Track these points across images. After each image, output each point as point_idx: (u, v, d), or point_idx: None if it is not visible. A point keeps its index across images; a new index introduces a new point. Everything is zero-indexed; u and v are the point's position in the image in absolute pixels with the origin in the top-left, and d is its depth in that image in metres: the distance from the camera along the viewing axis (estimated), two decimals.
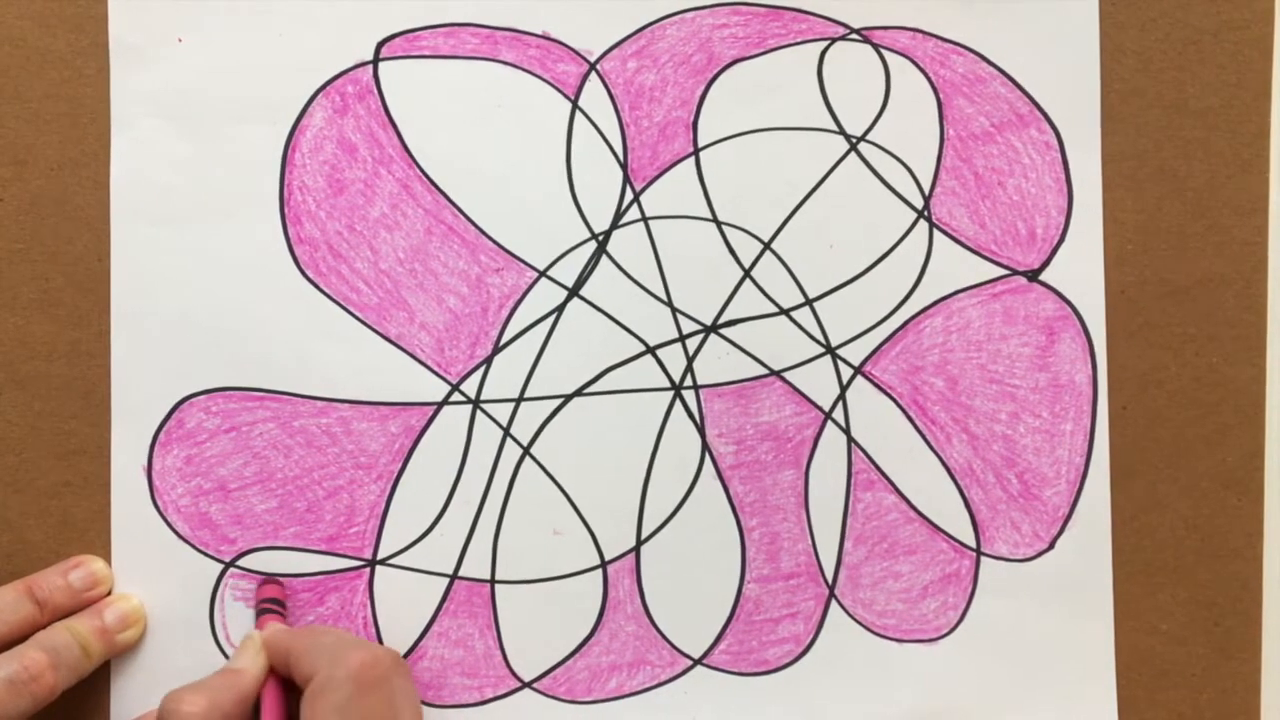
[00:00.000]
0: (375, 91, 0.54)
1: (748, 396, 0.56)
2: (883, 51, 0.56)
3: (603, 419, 0.55)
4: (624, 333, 0.55)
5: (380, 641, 0.55)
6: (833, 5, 0.55)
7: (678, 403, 0.55)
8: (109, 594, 0.53)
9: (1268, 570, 0.57)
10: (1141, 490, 0.57)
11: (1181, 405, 0.56)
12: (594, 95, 0.55)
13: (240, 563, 0.54)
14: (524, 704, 0.55)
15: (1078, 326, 0.56)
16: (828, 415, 0.56)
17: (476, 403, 0.55)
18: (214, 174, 0.54)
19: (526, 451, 0.55)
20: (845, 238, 0.56)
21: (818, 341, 0.56)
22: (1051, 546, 0.57)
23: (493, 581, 0.55)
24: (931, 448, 0.56)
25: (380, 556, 0.55)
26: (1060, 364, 0.56)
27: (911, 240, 0.56)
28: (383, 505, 0.55)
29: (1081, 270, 0.56)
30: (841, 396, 0.56)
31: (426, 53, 0.54)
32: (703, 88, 0.55)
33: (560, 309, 0.55)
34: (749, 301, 0.55)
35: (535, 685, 0.56)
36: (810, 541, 0.56)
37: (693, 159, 0.55)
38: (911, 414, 0.56)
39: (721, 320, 0.55)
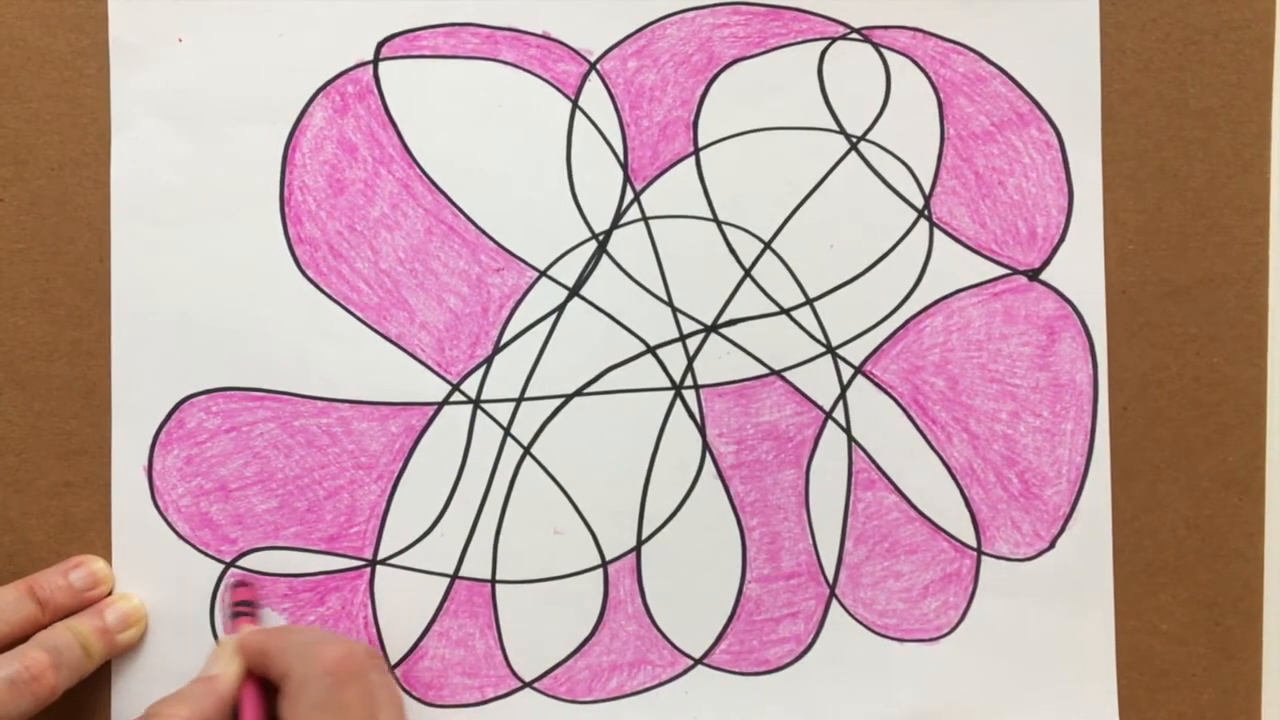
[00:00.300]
0: (375, 91, 0.54)
1: (748, 396, 0.56)
2: (883, 51, 0.56)
3: (603, 419, 0.55)
4: (624, 332, 0.55)
5: (381, 642, 0.55)
6: (833, 5, 0.55)
7: (678, 402, 0.55)
8: (110, 594, 0.53)
9: (1268, 570, 0.57)
10: (1142, 490, 0.57)
11: (1182, 405, 0.56)
12: (594, 95, 0.55)
13: (241, 563, 0.54)
14: (525, 704, 0.55)
15: (1078, 326, 0.56)
16: (828, 415, 0.56)
17: (477, 402, 0.55)
18: (214, 174, 0.54)
19: (527, 451, 0.55)
20: (846, 237, 0.56)
21: (818, 341, 0.56)
22: (1052, 546, 0.57)
23: (493, 581, 0.55)
24: (932, 447, 0.56)
25: (381, 556, 0.55)
26: (1061, 363, 0.56)
27: (912, 240, 0.56)
28: (383, 505, 0.55)
29: (1082, 270, 0.56)
30: (842, 396, 0.56)
31: (427, 52, 0.54)
32: (703, 87, 0.55)
33: (561, 309, 0.55)
34: (749, 301, 0.55)
35: (536, 685, 0.55)
36: (811, 541, 0.56)
37: (693, 159, 0.55)
38: (912, 413, 0.56)
39: (722, 320, 0.55)
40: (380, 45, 0.54)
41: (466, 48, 0.54)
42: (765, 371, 0.56)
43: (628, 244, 0.55)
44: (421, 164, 0.54)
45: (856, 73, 0.56)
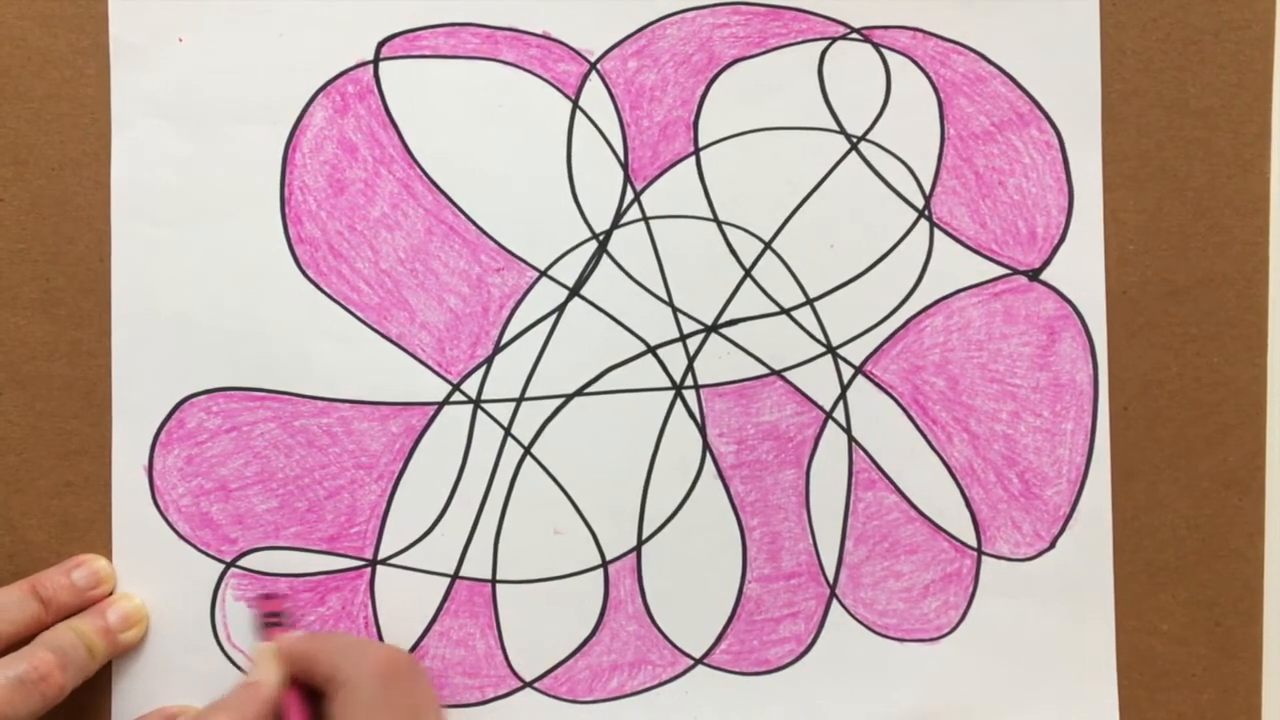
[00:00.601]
0: (376, 91, 0.54)
1: (748, 396, 0.56)
2: (883, 51, 0.56)
3: (603, 419, 0.55)
4: (625, 332, 0.55)
5: (381, 642, 0.55)
6: (833, 4, 0.55)
7: (678, 402, 0.55)
8: (112, 593, 0.54)
9: (1269, 570, 0.57)
10: (1142, 490, 0.57)
11: (1182, 405, 0.56)
12: (594, 95, 0.55)
13: (241, 563, 0.54)
14: (525, 704, 0.55)
15: (1078, 326, 0.56)
16: (828, 415, 0.56)
17: (477, 402, 0.55)
18: (214, 174, 0.54)
19: (527, 451, 0.55)
20: (846, 237, 0.56)
21: (818, 341, 0.56)
22: (1052, 546, 0.57)
23: (494, 581, 0.55)
24: (932, 447, 0.56)
25: (381, 556, 0.55)
26: (1061, 363, 0.56)
27: (912, 240, 0.56)
28: (384, 505, 0.55)
29: (1082, 270, 0.56)
30: (842, 396, 0.56)
31: (427, 52, 0.54)
32: (703, 87, 0.55)
33: (561, 309, 0.55)
34: (750, 301, 0.55)
35: (536, 685, 0.56)
36: (811, 541, 0.56)
37: (693, 158, 0.55)
38: (912, 413, 0.56)
39: (722, 320, 0.55)
40: (380, 45, 0.54)
41: (467, 48, 0.54)
42: (765, 371, 0.56)
43: (628, 244, 0.55)
44: (422, 164, 0.54)
45: (857, 73, 0.55)
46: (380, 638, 0.55)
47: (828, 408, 0.56)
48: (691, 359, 0.55)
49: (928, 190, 0.56)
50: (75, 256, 0.53)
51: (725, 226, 0.55)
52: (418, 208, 0.54)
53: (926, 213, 0.56)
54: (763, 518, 0.56)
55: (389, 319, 0.55)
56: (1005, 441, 0.56)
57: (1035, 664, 0.57)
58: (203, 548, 0.54)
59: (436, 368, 0.55)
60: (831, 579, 0.56)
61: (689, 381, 0.55)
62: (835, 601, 0.56)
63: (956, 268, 0.56)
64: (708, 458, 0.56)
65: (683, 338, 0.55)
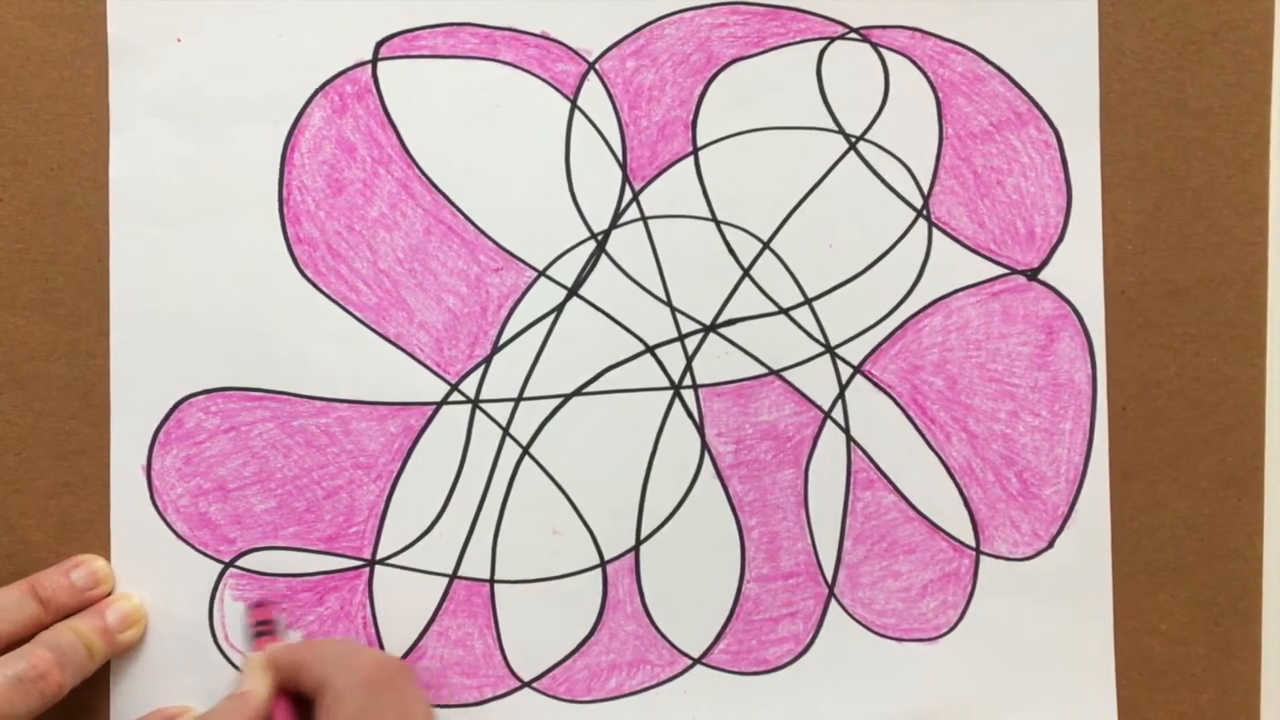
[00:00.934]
0: (374, 91, 0.54)
1: (747, 396, 0.56)
2: (881, 50, 0.56)
3: (602, 418, 0.55)
4: (623, 332, 0.55)
5: (380, 642, 0.55)
6: (831, 4, 0.55)
7: (677, 402, 0.55)
8: (110, 593, 0.54)
9: (1268, 570, 0.57)
10: (1141, 490, 0.57)
11: (1181, 405, 0.56)
12: (593, 95, 0.55)
13: (240, 563, 0.54)
14: (524, 703, 0.55)
15: (1076, 325, 0.56)
16: (827, 414, 0.56)
17: (476, 402, 0.55)
18: (214, 174, 0.54)
19: (526, 451, 0.55)
20: (844, 237, 0.56)
21: (817, 341, 0.56)
22: (1051, 545, 0.57)
23: (492, 581, 0.55)
24: (931, 447, 0.56)
25: (380, 556, 0.55)
26: (1059, 363, 0.56)
27: (910, 239, 0.56)
28: (382, 505, 0.55)
29: (1080, 269, 0.56)
30: (841, 396, 0.56)
31: (425, 52, 0.54)
32: (702, 87, 0.55)
33: (559, 308, 0.55)
34: (748, 301, 0.55)
35: (535, 685, 0.55)
36: (810, 541, 0.56)
37: (692, 158, 0.55)
38: (911, 413, 0.56)
39: (721, 320, 0.55)
40: (379, 45, 0.54)
41: (465, 47, 0.54)
42: (764, 371, 0.56)
43: (626, 244, 0.55)
44: (420, 164, 0.54)
45: (855, 72, 0.56)
46: (379, 637, 0.55)
47: (826, 407, 0.56)
48: (690, 359, 0.55)
49: (926, 190, 0.56)
50: (74, 256, 0.53)
51: (724, 226, 0.55)
52: (416, 208, 0.54)
53: (925, 212, 0.56)
54: (761, 517, 0.56)
55: (387, 319, 0.55)
56: (1004, 441, 0.56)
57: (1034, 664, 0.57)
58: (201, 548, 0.54)
59: (435, 368, 0.55)
60: (830, 579, 0.56)
61: (687, 381, 0.55)
62: (834, 601, 0.56)
63: (955, 267, 0.56)
64: (706, 457, 0.56)
65: (681, 337, 0.55)
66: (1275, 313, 0.56)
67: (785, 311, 0.56)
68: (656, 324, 0.55)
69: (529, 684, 0.55)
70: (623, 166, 0.55)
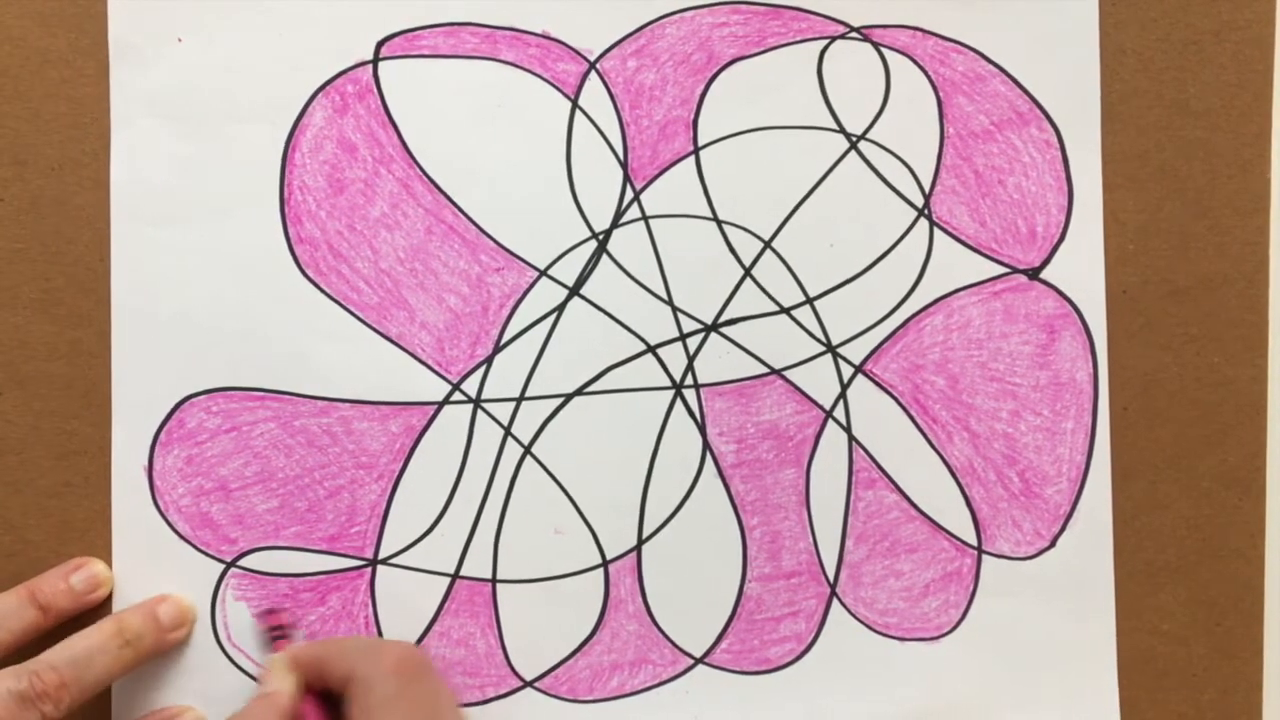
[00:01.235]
0: (375, 91, 0.54)
1: (748, 395, 0.56)
2: (882, 50, 0.56)
3: (603, 418, 0.55)
4: (625, 332, 0.55)
5: (394, 640, 0.55)
6: (832, 4, 0.55)
7: (678, 402, 0.55)
8: (109, 596, 0.53)
9: (1269, 570, 0.57)
10: (1143, 490, 0.57)
11: (1183, 405, 0.56)
12: (594, 94, 0.55)
13: (241, 563, 0.54)
14: (525, 703, 0.55)
15: (1078, 324, 0.56)
16: (828, 414, 0.56)
17: (477, 402, 0.55)
18: (214, 174, 0.54)
19: (527, 451, 0.55)
20: (846, 236, 0.56)
21: (818, 340, 0.56)
22: (1053, 545, 0.57)
23: (494, 581, 0.55)
24: (932, 446, 0.56)
25: (381, 556, 0.55)
26: (1061, 362, 0.56)
27: (912, 239, 0.56)
28: (384, 505, 0.55)
29: (1082, 269, 0.56)
30: (842, 395, 0.56)
31: (426, 52, 0.54)
32: (703, 86, 0.55)
33: (561, 308, 0.55)
34: (749, 300, 0.55)
35: (537, 684, 0.55)
36: (811, 540, 0.56)
37: (693, 158, 0.55)
38: (912, 412, 0.56)
39: (722, 319, 0.55)
40: (380, 45, 0.54)
41: (466, 47, 0.54)
42: (765, 371, 0.56)
43: (628, 243, 0.55)
44: (421, 164, 0.54)
45: (856, 72, 0.56)
46: (380, 637, 0.55)
47: (828, 407, 0.56)
48: (691, 358, 0.55)
49: (927, 189, 0.56)
50: (75, 256, 0.53)
51: (725, 226, 0.55)
52: (417, 207, 0.54)
53: (926, 212, 0.56)
54: (763, 517, 0.56)
55: (389, 319, 0.54)
56: (1005, 440, 0.56)
57: (1035, 663, 0.56)
58: (203, 548, 0.54)
59: (436, 367, 0.55)
60: (832, 578, 0.56)
61: (689, 381, 0.55)
62: (835, 600, 0.56)
63: (956, 266, 0.56)
64: (708, 457, 0.56)
65: (682, 337, 0.55)
66: (1276, 313, 0.57)
67: (787, 311, 0.56)
68: (658, 323, 0.55)
69: (531, 684, 0.55)
70: (624, 166, 0.55)
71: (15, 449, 0.54)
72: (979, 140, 0.56)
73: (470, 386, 0.55)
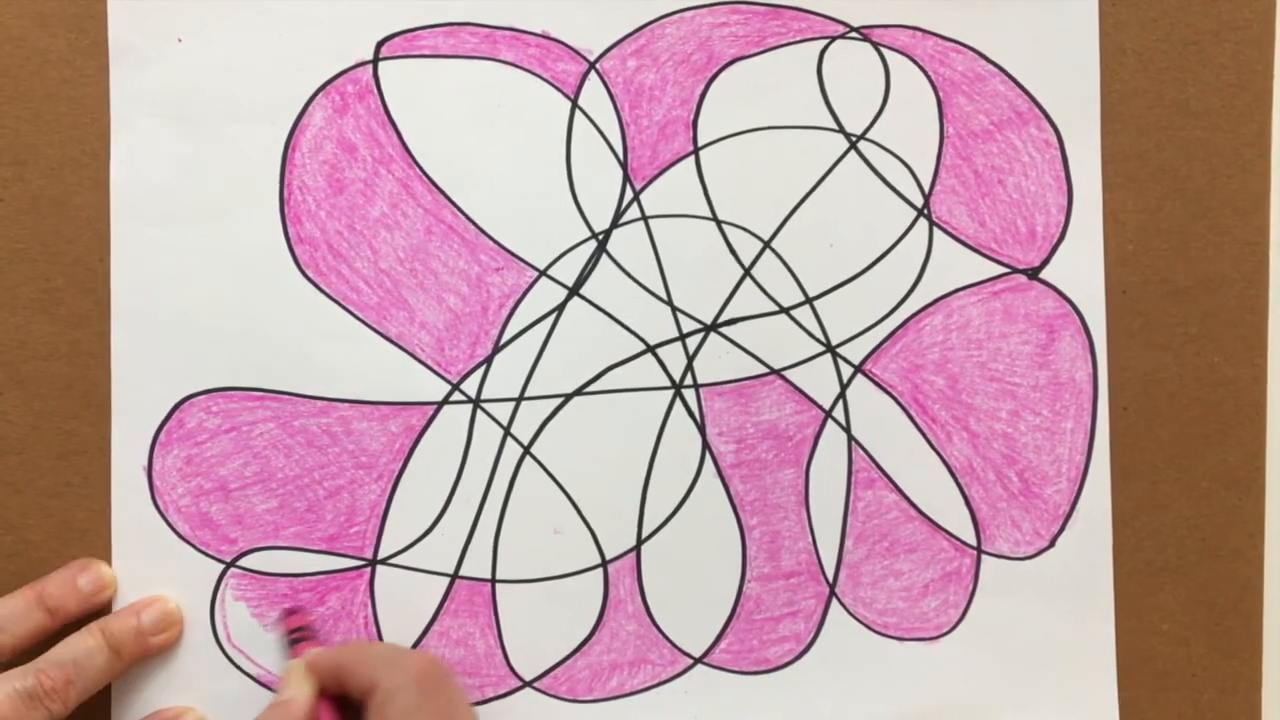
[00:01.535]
0: (375, 91, 0.54)
1: (748, 395, 0.56)
2: (882, 50, 0.56)
3: (603, 418, 0.55)
4: (624, 332, 0.55)
5: (381, 641, 0.55)
6: (832, 4, 0.55)
7: (678, 402, 0.55)
8: (112, 597, 0.53)
9: (1269, 570, 0.57)
10: (1142, 490, 0.57)
11: (1182, 405, 0.56)
12: (594, 94, 0.55)
13: (241, 563, 0.54)
14: (525, 703, 0.55)
15: (1078, 324, 0.56)
16: (828, 414, 0.56)
17: (477, 402, 0.55)
18: (214, 174, 0.54)
19: (527, 451, 0.55)
20: (845, 236, 0.56)
21: (818, 340, 0.56)
22: (1052, 545, 0.57)
23: (493, 581, 0.55)
24: (932, 446, 0.56)
25: (381, 556, 0.55)
26: (1060, 362, 0.56)
27: (911, 238, 0.56)
28: (383, 505, 0.55)
29: (1081, 269, 0.56)
30: (842, 395, 0.56)
31: (426, 52, 0.54)
32: (702, 86, 0.55)
33: (560, 308, 0.55)
34: (749, 300, 0.55)
35: (536, 684, 0.55)
36: (811, 540, 0.56)
37: (692, 158, 0.55)
38: (912, 412, 0.56)
39: (722, 319, 0.55)
40: (380, 45, 0.54)
41: (466, 47, 0.54)
42: (765, 371, 0.56)
43: (627, 243, 0.55)
44: (421, 164, 0.54)
45: (856, 72, 0.56)
46: (380, 637, 0.55)
47: (827, 407, 0.56)
48: (691, 358, 0.55)
49: (927, 189, 0.56)
50: (74, 256, 0.53)
51: (724, 226, 0.55)
52: (417, 207, 0.54)
53: (926, 211, 0.56)
54: (762, 517, 0.56)
55: (388, 319, 0.55)
56: (1005, 440, 0.56)
57: (1035, 663, 0.56)
58: (202, 548, 0.54)
59: (436, 367, 0.55)
60: (831, 578, 0.56)
61: (688, 381, 0.55)
62: (835, 600, 0.56)
63: (956, 266, 0.56)
64: (707, 457, 0.56)
65: (682, 337, 0.55)
66: (1276, 313, 0.56)
67: (786, 311, 0.56)
68: (657, 323, 0.55)
69: (530, 684, 0.55)
70: (623, 166, 0.55)
71: (15, 449, 0.54)
72: (979, 140, 0.56)
73: (470, 386, 0.55)
